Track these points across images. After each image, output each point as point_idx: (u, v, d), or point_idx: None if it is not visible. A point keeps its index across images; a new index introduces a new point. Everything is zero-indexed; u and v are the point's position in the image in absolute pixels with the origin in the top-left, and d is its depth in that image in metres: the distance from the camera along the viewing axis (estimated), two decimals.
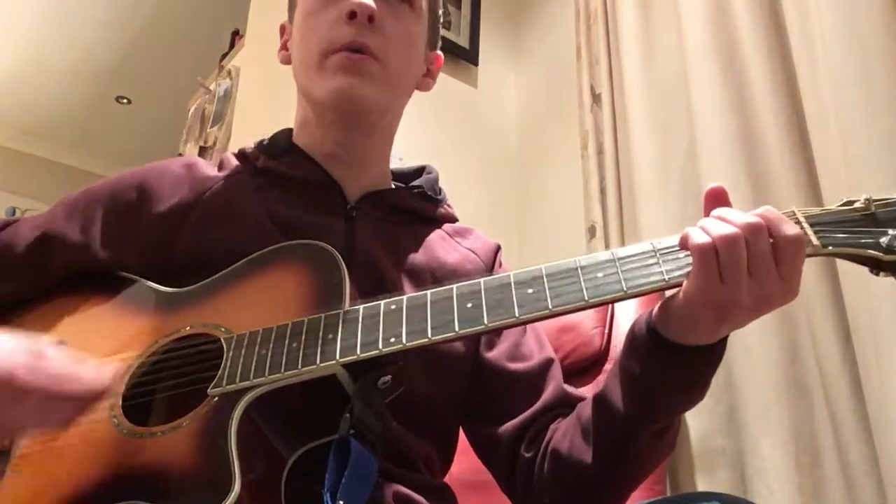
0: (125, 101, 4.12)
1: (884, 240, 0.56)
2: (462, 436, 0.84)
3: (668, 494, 1.36)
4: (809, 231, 0.58)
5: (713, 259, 0.55)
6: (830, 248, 0.57)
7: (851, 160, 1.22)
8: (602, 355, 1.33)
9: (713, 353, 0.61)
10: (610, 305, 1.37)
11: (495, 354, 0.82)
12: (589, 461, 0.68)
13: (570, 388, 0.82)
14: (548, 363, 0.82)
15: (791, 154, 1.41)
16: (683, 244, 0.57)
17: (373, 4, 0.77)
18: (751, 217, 0.56)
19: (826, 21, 1.31)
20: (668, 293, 0.61)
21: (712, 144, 1.52)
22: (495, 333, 0.83)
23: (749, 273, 0.55)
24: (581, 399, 0.80)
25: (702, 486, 1.38)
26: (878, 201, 0.59)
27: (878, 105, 1.21)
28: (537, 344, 0.84)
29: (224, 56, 2.46)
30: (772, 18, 1.52)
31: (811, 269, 1.32)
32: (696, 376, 0.63)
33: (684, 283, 0.58)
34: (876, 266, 0.57)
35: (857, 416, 1.21)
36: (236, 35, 2.54)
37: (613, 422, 0.66)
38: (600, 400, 0.68)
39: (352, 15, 0.77)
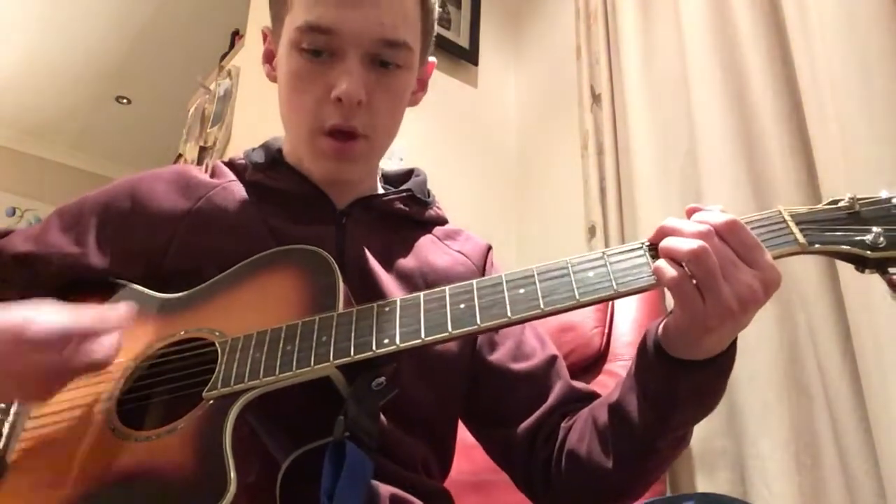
0: (125, 101, 4.12)
1: (868, 237, 0.57)
2: (462, 437, 0.84)
3: (669, 494, 1.36)
4: (795, 229, 0.59)
5: (690, 288, 0.55)
6: (817, 245, 0.58)
7: (851, 160, 1.22)
8: (602, 355, 1.33)
9: (725, 359, 0.62)
10: (609, 306, 1.37)
11: (498, 357, 0.82)
12: (609, 467, 0.68)
13: (577, 384, 0.82)
14: (552, 360, 0.83)
15: (791, 154, 1.41)
16: (660, 279, 0.58)
17: (359, 92, 0.73)
18: (696, 225, 0.57)
19: (826, 21, 1.31)
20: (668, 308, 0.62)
21: (712, 144, 1.52)
22: (495, 335, 0.83)
23: (724, 278, 0.55)
24: (589, 394, 0.81)
25: (702, 486, 1.38)
26: (863, 200, 0.60)
27: (878, 105, 1.21)
28: (538, 341, 0.85)
29: (224, 56, 2.46)
30: (772, 18, 1.52)
31: (811, 269, 1.32)
32: (711, 385, 0.63)
33: (673, 313, 0.59)
34: (861, 263, 0.58)
35: (857, 416, 1.21)
36: (236, 35, 2.54)
37: (633, 435, 0.67)
38: (617, 411, 0.69)
39: (339, 99, 0.74)
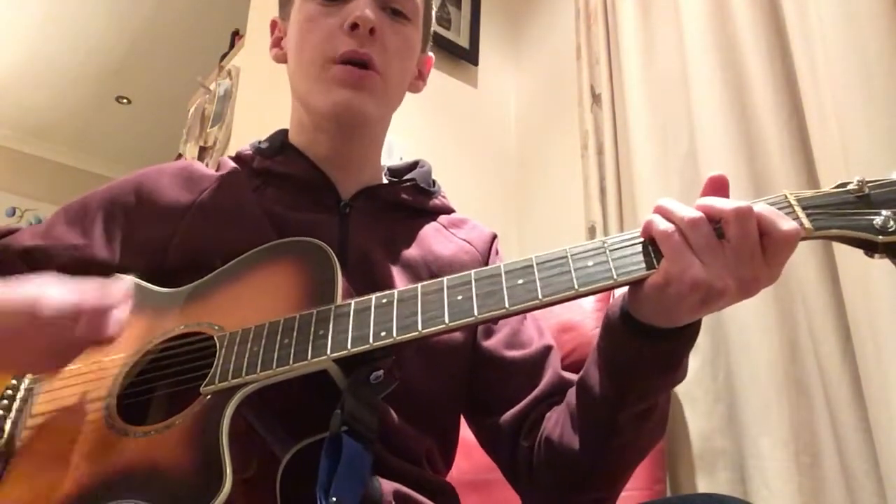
0: (125, 101, 4.13)
1: (877, 221, 0.55)
2: (462, 436, 0.84)
3: (669, 494, 1.36)
4: (801, 214, 0.57)
5: (679, 240, 0.55)
6: (823, 231, 0.56)
7: (851, 160, 1.22)
8: None
9: (689, 333, 0.60)
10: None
11: (493, 343, 0.82)
12: (577, 447, 0.68)
13: (567, 375, 0.81)
14: (546, 350, 0.82)
15: (791, 154, 1.41)
16: (647, 232, 0.58)
17: (374, 17, 0.78)
18: (736, 203, 0.55)
19: (826, 21, 1.31)
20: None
21: (712, 144, 1.52)
22: (492, 322, 0.83)
23: (735, 257, 0.54)
24: None
25: (702, 486, 1.38)
26: (872, 182, 0.57)
27: (878, 105, 1.21)
28: (537, 331, 0.84)
29: (224, 56, 2.46)
30: (772, 18, 1.52)
31: (811, 270, 1.32)
32: (673, 357, 0.62)
33: (658, 270, 0.56)
34: (870, 248, 0.56)
35: (857, 416, 1.21)
36: (236, 35, 2.54)
37: (594, 406, 0.66)
38: (581, 385, 0.68)
39: (353, 26, 0.77)
